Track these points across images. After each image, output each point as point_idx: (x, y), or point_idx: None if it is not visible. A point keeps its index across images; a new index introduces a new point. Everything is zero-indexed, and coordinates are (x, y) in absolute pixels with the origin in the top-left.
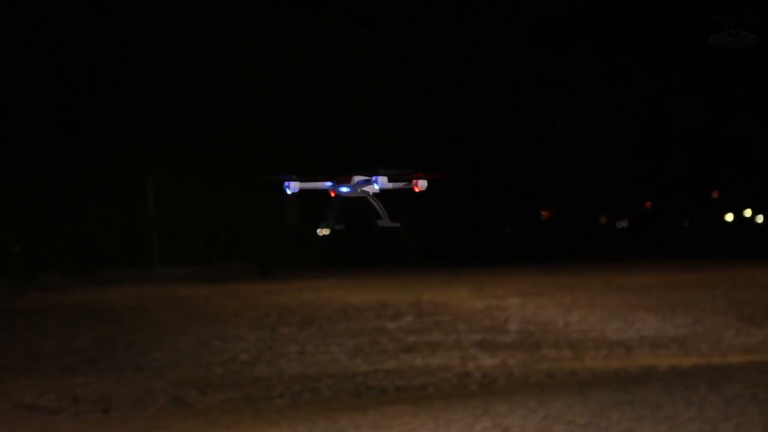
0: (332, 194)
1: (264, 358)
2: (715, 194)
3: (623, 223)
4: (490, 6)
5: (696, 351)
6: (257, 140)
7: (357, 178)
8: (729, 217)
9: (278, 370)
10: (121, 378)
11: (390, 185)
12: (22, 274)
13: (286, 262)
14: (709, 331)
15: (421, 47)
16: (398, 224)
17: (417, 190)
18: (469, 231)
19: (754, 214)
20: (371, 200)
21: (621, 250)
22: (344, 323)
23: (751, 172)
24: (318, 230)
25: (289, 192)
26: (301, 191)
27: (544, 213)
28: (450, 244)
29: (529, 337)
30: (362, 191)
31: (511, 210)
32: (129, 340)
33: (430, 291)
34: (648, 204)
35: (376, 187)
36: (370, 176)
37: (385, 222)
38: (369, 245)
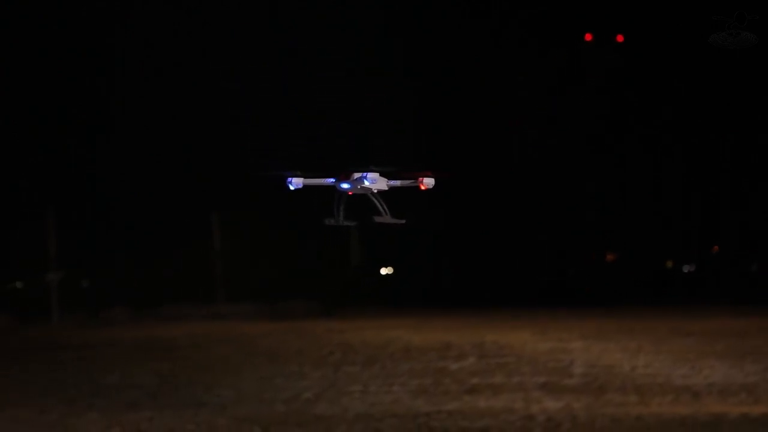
0: (350, 193)
1: (327, 396)
2: None
3: (690, 268)
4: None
5: (766, 399)
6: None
7: (356, 175)
8: None
9: (341, 408)
10: (184, 414)
11: (398, 183)
12: (87, 309)
13: (349, 301)
14: None
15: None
16: (403, 221)
17: (423, 188)
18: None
19: None
20: (372, 197)
21: (687, 295)
22: (407, 363)
23: None
24: (325, 221)
25: (291, 188)
26: (305, 187)
27: (609, 256)
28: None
29: (593, 381)
30: (363, 188)
31: (575, 253)
32: (191, 376)
33: (493, 332)
34: (716, 248)
35: (378, 183)
36: (364, 174)
37: (384, 218)
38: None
